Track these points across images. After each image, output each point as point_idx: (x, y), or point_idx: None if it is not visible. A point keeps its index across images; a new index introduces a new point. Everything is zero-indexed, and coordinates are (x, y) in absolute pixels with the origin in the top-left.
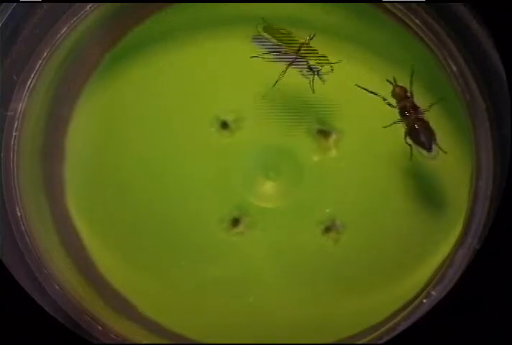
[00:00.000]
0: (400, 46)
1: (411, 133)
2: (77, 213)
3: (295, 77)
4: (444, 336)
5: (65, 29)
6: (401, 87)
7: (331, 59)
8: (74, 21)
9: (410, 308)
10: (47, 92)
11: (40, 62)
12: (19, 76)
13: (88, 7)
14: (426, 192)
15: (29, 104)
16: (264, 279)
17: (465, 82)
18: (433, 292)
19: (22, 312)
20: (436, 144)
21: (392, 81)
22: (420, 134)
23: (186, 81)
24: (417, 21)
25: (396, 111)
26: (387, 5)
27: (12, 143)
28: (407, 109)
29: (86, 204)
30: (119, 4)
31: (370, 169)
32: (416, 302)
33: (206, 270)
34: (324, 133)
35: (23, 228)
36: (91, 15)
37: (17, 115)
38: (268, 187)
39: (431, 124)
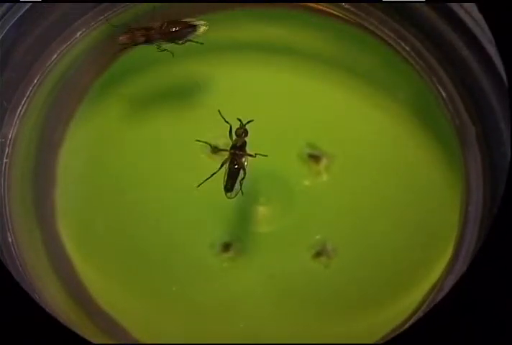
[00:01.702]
0: (390, 72)
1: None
2: (68, 237)
3: (286, 101)
4: (443, 337)
5: (56, 55)
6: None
7: (319, 84)
8: (64, 48)
9: (399, 332)
10: (38, 118)
11: (31, 88)
12: (9, 103)
13: (78, 34)
14: (417, 216)
15: (20, 130)
16: (254, 304)
17: (455, 107)
18: None
19: (22, 312)
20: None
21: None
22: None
23: (177, 105)
24: (406, 47)
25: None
26: (376, 30)
27: (3, 169)
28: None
29: (77, 229)
30: (109, 30)
31: (361, 194)
32: (406, 326)
33: (197, 295)
34: (315, 157)
35: (14, 253)
36: (82, 41)
37: (8, 141)
38: (259, 212)
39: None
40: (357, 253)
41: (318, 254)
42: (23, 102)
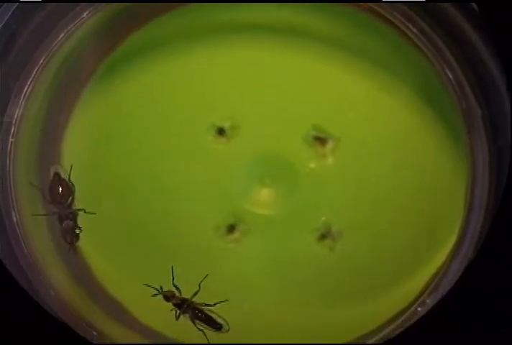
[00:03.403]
0: (397, 54)
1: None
2: None
3: (292, 83)
4: (443, 336)
5: (62, 35)
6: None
7: (326, 67)
8: (71, 28)
9: (404, 316)
10: (44, 98)
11: (37, 68)
12: (15, 82)
13: (85, 14)
14: (422, 201)
15: (26, 110)
16: (259, 286)
17: (461, 89)
18: (427, 301)
19: (22, 312)
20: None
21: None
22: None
23: (183, 88)
24: (414, 29)
25: None
26: (384, 13)
27: (9, 149)
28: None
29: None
30: (116, 11)
31: (367, 177)
32: (411, 310)
33: (202, 277)
34: (321, 140)
35: (19, 233)
36: (88, 22)
37: (14, 121)
38: (264, 194)
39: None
40: (361, 236)
41: (323, 237)
42: (29, 82)
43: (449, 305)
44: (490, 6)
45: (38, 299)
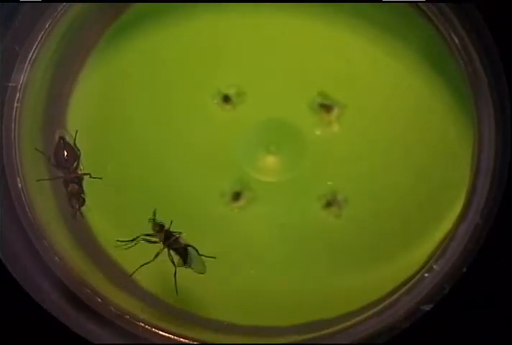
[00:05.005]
0: (403, 19)
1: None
2: None
3: (297, 48)
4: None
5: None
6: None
7: (332, 33)
8: None
9: (411, 283)
10: (49, 64)
11: (42, 33)
12: (21, 47)
13: None
14: (429, 167)
15: (31, 76)
16: (265, 253)
17: (467, 55)
18: (435, 267)
19: (22, 312)
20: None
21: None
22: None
23: (188, 55)
24: None
25: None
26: None
27: (14, 114)
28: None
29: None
30: None
31: (372, 144)
32: (418, 276)
33: (207, 244)
34: (326, 107)
35: (23, 199)
36: None
37: (19, 86)
38: (270, 161)
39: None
40: (367, 203)
41: (329, 204)
42: (34, 47)
43: (449, 305)
44: (490, 6)
45: (39, 272)
